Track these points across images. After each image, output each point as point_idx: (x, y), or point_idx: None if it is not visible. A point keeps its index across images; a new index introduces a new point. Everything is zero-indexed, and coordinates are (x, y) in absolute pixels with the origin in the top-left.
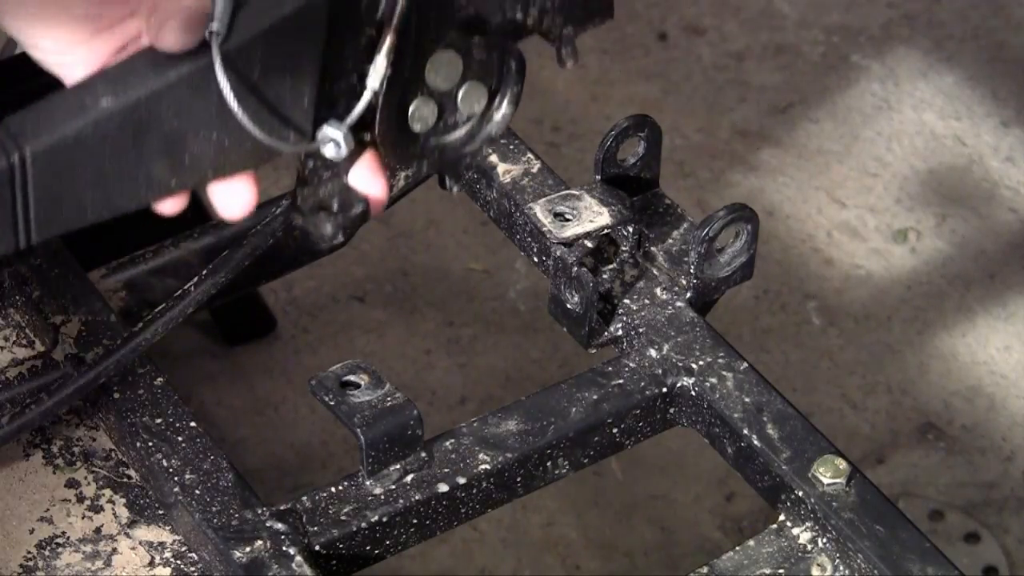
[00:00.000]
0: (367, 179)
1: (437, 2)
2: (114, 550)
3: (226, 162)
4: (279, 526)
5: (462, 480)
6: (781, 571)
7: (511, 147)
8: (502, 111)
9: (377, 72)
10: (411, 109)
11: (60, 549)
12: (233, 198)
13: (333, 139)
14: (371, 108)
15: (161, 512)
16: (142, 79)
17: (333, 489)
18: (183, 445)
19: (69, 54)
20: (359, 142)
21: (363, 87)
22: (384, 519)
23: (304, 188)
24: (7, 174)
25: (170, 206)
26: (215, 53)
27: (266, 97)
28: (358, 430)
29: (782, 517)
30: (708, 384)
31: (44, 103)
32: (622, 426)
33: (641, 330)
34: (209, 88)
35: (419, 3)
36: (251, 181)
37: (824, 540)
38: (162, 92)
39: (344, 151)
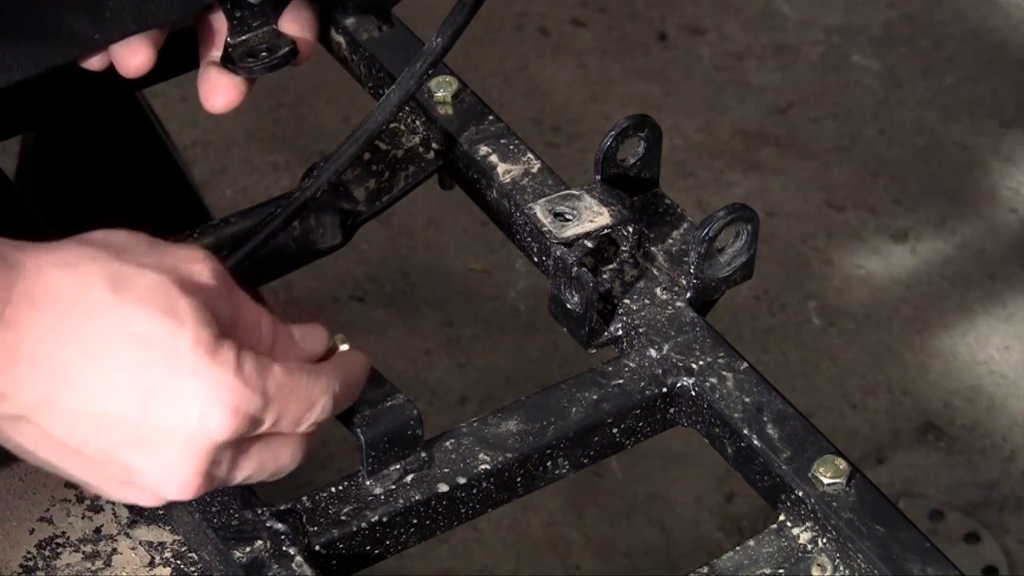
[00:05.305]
0: (297, 23)
1: None
2: (114, 550)
3: (147, 12)
4: (279, 526)
5: (462, 480)
6: (781, 571)
7: (511, 147)
8: None
9: None
10: None
11: (60, 549)
12: (132, 56)
13: None
14: None
15: (161, 512)
16: None
17: (333, 489)
18: None
19: None
20: None
21: None
22: (384, 519)
23: (234, 38)
24: None
25: (97, 62)
26: None
27: None
28: (358, 430)
29: (782, 517)
30: (708, 384)
31: None
32: (622, 426)
33: (641, 330)
34: None
35: None
36: (150, 40)
37: (824, 540)
38: None
39: None
